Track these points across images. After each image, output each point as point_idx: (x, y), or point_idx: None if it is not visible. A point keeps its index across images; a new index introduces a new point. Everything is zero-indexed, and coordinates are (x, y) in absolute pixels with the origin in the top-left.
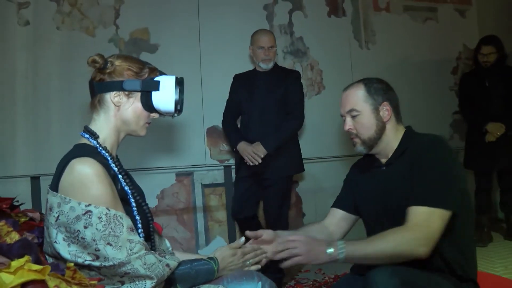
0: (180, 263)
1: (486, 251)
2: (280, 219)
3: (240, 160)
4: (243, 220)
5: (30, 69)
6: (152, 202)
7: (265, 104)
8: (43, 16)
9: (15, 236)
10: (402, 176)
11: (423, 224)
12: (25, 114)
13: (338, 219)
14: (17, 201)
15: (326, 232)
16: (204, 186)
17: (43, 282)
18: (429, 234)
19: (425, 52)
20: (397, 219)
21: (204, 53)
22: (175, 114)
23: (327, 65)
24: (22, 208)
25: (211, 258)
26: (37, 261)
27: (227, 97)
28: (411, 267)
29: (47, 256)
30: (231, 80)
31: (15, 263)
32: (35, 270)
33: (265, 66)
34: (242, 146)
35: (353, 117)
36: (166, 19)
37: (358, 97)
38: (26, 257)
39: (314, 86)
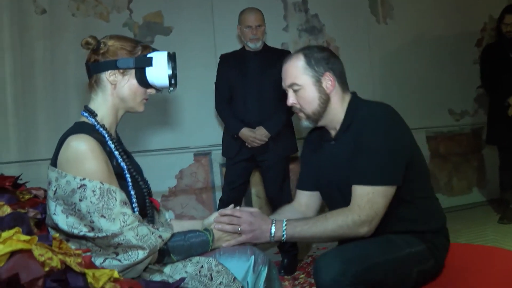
0: (174, 235)
1: (510, 228)
2: (283, 197)
3: (241, 145)
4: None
5: (48, 56)
6: (171, 182)
7: (261, 86)
8: (59, 4)
9: (7, 210)
10: (348, 151)
11: (366, 206)
12: (45, 100)
13: (305, 199)
14: (21, 179)
15: (299, 213)
16: (222, 165)
17: (29, 251)
18: (371, 215)
19: (447, 25)
20: (347, 194)
21: (218, 33)
22: (171, 89)
23: (344, 42)
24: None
25: (206, 230)
26: (29, 233)
27: None
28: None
29: (49, 228)
30: None
31: (5, 234)
32: (23, 240)
33: (253, 45)
34: (245, 133)
35: (295, 91)
36: (178, 1)
37: (298, 70)
38: (16, 229)
39: None
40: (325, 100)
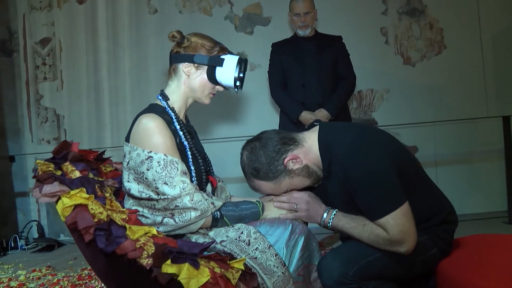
0: (226, 204)
1: None
2: None
3: None
4: None
5: (159, 52)
6: None
7: (320, 68)
8: (168, 3)
9: (77, 174)
10: (339, 189)
11: (393, 229)
12: (156, 91)
13: None
14: (104, 155)
15: None
16: None
17: (86, 206)
18: (401, 236)
19: None
20: None
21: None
22: (236, 90)
23: (449, 22)
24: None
25: (257, 201)
26: (92, 193)
27: None
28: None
29: (125, 195)
30: None
31: (73, 192)
32: (83, 197)
33: (302, 32)
34: (306, 116)
35: (290, 190)
36: None
37: (273, 188)
38: (81, 189)
39: (434, 46)
40: (307, 170)
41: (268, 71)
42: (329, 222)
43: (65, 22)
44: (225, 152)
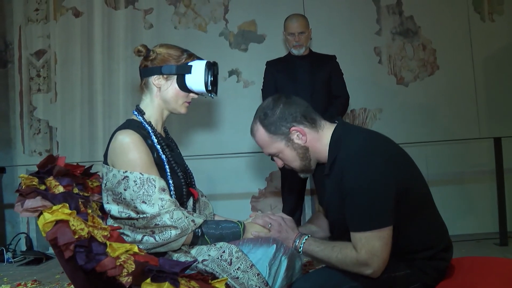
0: (207, 222)
1: None
2: None
3: None
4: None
5: None
6: (261, 184)
7: (313, 86)
8: (163, 18)
9: (60, 189)
10: (334, 190)
11: (362, 250)
12: None
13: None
14: (91, 169)
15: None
16: None
17: (67, 222)
18: (369, 257)
19: None
20: (338, 229)
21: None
22: (210, 95)
23: (442, 43)
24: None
25: (238, 221)
26: (76, 208)
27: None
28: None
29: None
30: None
31: (55, 207)
32: (65, 213)
33: (296, 52)
34: None
35: (277, 156)
36: (271, 10)
37: (266, 141)
38: (63, 204)
39: (427, 66)
40: (304, 152)
41: (261, 89)
42: (300, 247)
43: (61, 35)
44: (216, 169)
